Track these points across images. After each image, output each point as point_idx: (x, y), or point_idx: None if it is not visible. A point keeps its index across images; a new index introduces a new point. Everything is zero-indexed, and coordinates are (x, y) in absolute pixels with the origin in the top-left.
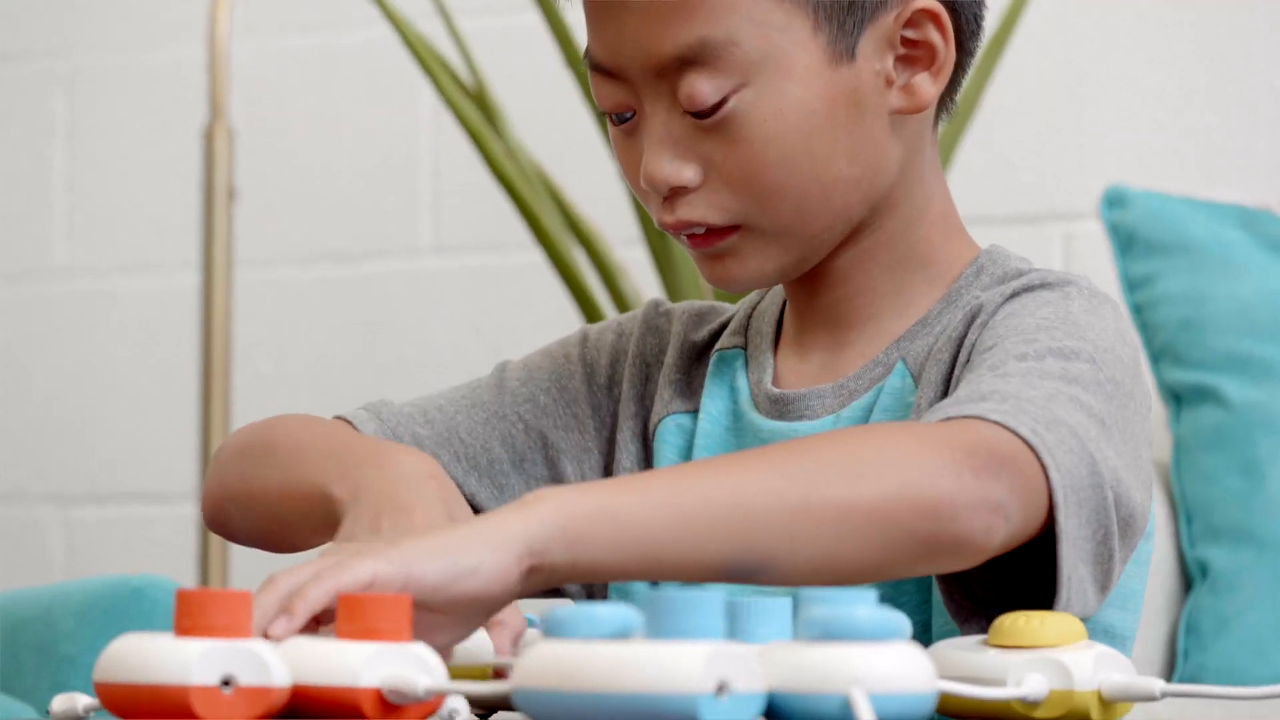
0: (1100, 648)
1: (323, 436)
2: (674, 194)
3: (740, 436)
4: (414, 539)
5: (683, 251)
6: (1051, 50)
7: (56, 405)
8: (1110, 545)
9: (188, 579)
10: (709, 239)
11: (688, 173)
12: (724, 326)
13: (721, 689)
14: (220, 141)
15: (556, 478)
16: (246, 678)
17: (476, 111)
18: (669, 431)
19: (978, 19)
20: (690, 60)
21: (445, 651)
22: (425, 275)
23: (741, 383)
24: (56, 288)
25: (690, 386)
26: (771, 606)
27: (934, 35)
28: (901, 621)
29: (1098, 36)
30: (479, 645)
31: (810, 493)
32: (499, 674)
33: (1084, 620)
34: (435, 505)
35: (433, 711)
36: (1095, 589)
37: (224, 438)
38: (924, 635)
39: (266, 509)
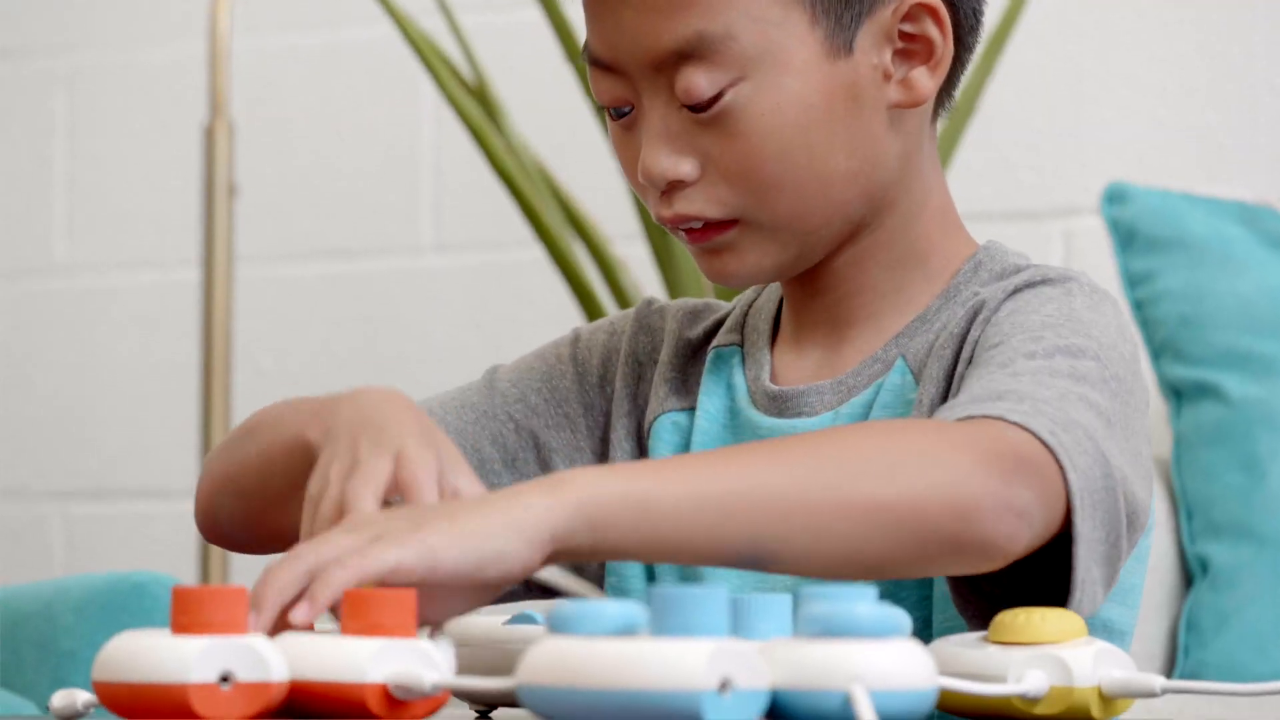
0: (1100, 644)
1: (297, 405)
2: (671, 188)
3: (738, 434)
4: (438, 521)
5: (683, 248)
6: (1052, 47)
7: (57, 402)
8: (1120, 545)
9: (188, 575)
10: (707, 233)
11: (685, 167)
12: (719, 324)
13: (725, 686)
14: (221, 138)
15: None
16: (245, 674)
17: (477, 108)
18: (665, 430)
19: (976, 14)
20: (687, 54)
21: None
22: (426, 271)
23: (739, 380)
24: (57, 284)
25: (686, 384)
26: (772, 603)
27: (932, 29)
28: (902, 618)
29: (1098, 34)
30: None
31: (839, 488)
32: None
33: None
34: (408, 420)
35: (438, 707)
36: (1104, 588)
37: (224, 435)
38: (924, 631)
39: (250, 482)
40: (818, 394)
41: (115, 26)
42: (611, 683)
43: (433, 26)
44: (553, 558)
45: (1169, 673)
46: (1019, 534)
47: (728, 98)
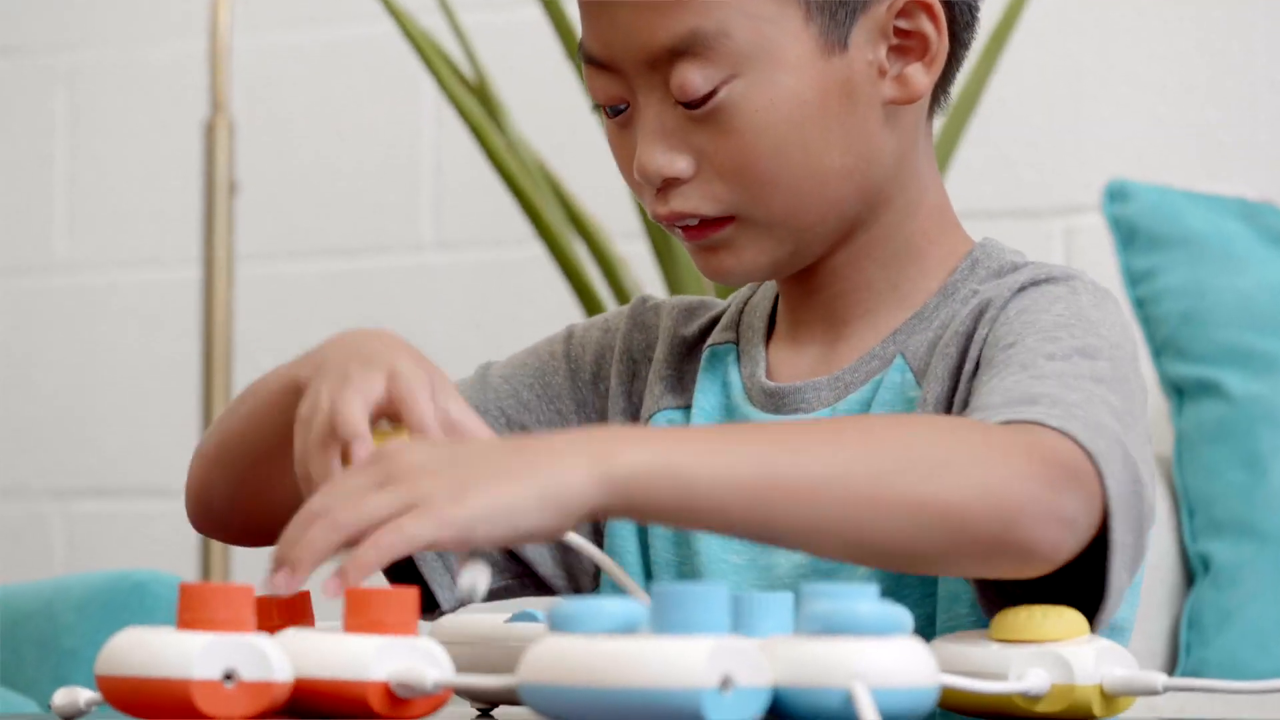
0: (1102, 642)
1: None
2: (667, 185)
3: None
4: (476, 488)
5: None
6: (1052, 45)
7: (58, 400)
8: (1142, 548)
9: (189, 573)
10: (703, 231)
11: (680, 164)
12: (715, 321)
13: (726, 683)
14: (221, 136)
15: None
16: (249, 672)
17: (478, 106)
18: (660, 427)
19: (971, 10)
20: (682, 51)
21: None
22: (426, 269)
23: (734, 377)
24: (58, 282)
25: (681, 382)
26: (773, 600)
27: (927, 25)
28: (903, 616)
29: (1098, 31)
30: None
31: (883, 481)
32: None
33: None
34: (399, 346)
35: (440, 705)
36: (1127, 590)
37: None
38: (928, 628)
39: (242, 445)
40: (814, 390)
41: (116, 24)
42: (612, 681)
43: (433, 24)
44: (584, 521)
45: (1171, 670)
46: (1064, 542)
47: (722, 94)
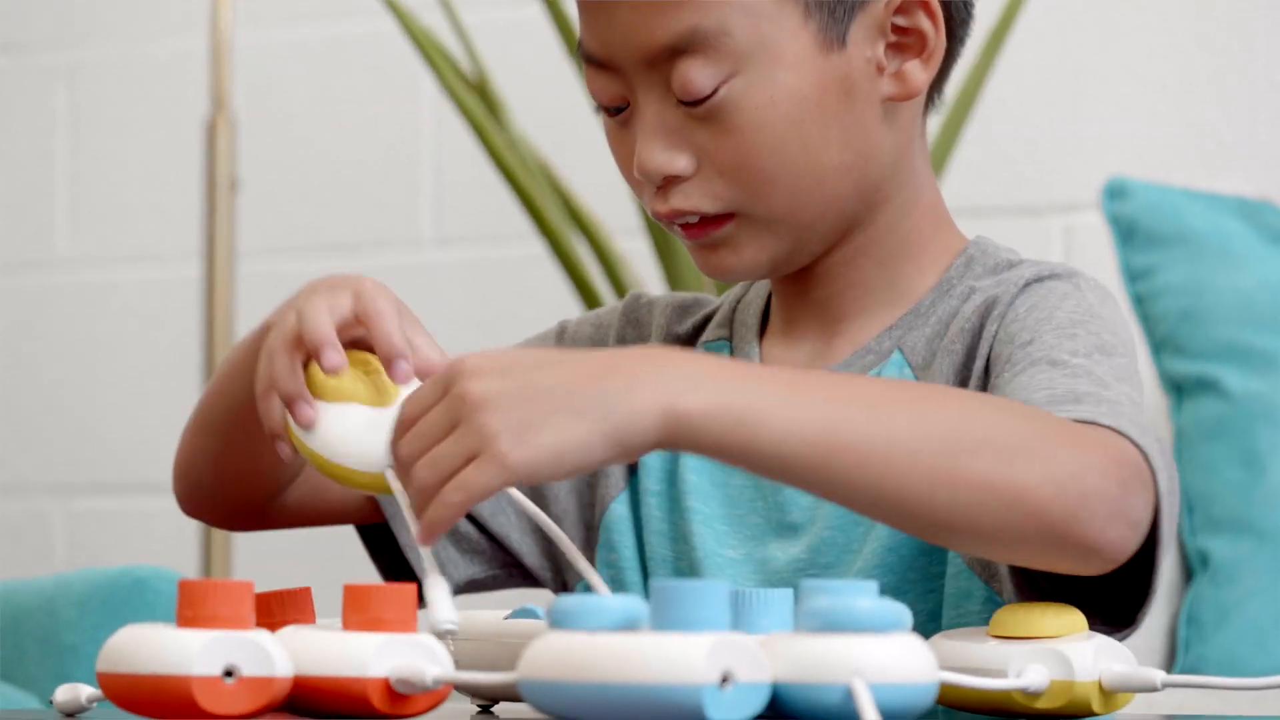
0: (1101, 638)
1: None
2: (667, 183)
3: None
4: (546, 423)
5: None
6: (1051, 43)
7: (59, 396)
8: (1171, 546)
9: (189, 570)
10: (703, 228)
11: (681, 162)
12: (708, 319)
13: (725, 680)
14: (222, 132)
15: None
16: (249, 668)
17: (478, 103)
18: None
19: (968, 6)
20: (682, 50)
21: None
22: (427, 266)
23: None
24: (59, 278)
25: None
26: (773, 597)
27: (924, 22)
28: (902, 612)
29: (1098, 29)
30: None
31: (953, 457)
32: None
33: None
34: (366, 278)
35: (440, 702)
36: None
37: None
38: (932, 624)
39: (219, 406)
40: None
41: (117, 21)
42: (612, 677)
43: (434, 22)
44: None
45: (1169, 667)
46: (1129, 543)
47: (723, 92)
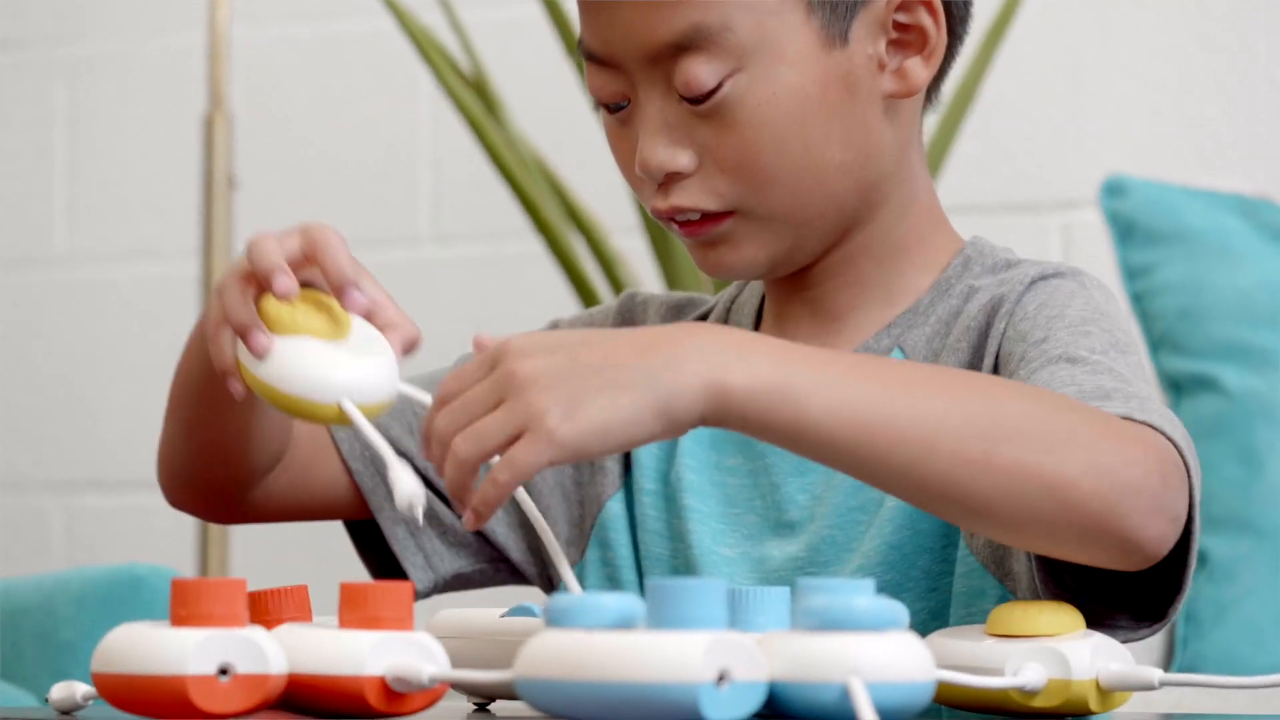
0: (1098, 637)
1: None
2: (668, 180)
3: None
4: (593, 399)
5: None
6: (1050, 40)
7: (57, 393)
8: None
9: (188, 568)
10: (703, 226)
11: (682, 159)
12: (703, 319)
13: (722, 678)
14: (220, 129)
15: None
16: (244, 666)
17: (476, 101)
18: None
19: (967, 4)
20: (685, 46)
21: None
22: (425, 264)
23: None
24: (57, 275)
25: None
26: (770, 595)
27: (925, 19)
28: (899, 611)
29: (1097, 26)
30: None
31: (1001, 445)
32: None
33: None
34: (308, 222)
35: (436, 700)
36: None
37: None
38: (934, 622)
39: (186, 384)
40: None
41: (115, 17)
42: (609, 675)
43: (432, 20)
44: None
45: (1167, 665)
46: (1168, 539)
47: (725, 89)
